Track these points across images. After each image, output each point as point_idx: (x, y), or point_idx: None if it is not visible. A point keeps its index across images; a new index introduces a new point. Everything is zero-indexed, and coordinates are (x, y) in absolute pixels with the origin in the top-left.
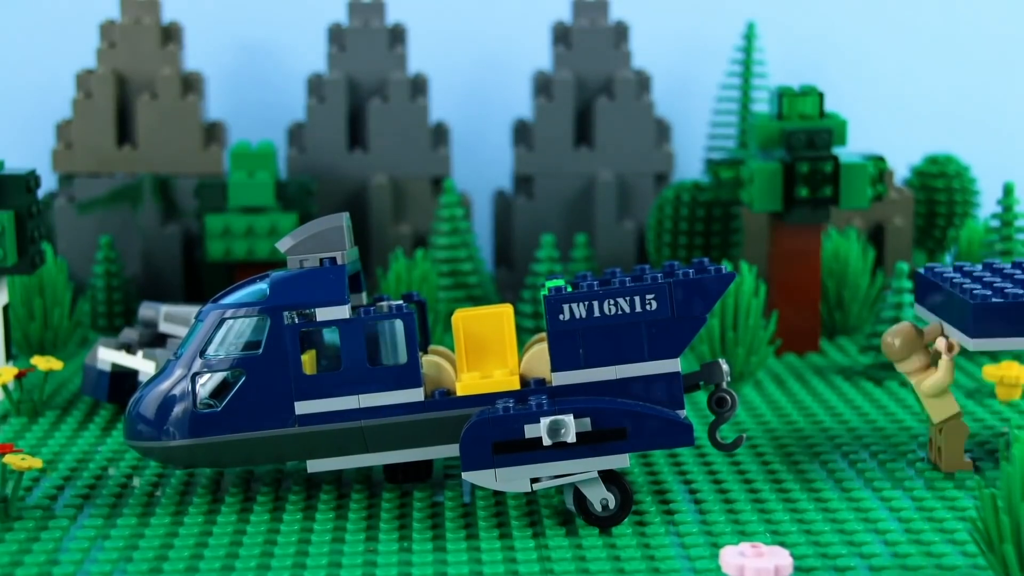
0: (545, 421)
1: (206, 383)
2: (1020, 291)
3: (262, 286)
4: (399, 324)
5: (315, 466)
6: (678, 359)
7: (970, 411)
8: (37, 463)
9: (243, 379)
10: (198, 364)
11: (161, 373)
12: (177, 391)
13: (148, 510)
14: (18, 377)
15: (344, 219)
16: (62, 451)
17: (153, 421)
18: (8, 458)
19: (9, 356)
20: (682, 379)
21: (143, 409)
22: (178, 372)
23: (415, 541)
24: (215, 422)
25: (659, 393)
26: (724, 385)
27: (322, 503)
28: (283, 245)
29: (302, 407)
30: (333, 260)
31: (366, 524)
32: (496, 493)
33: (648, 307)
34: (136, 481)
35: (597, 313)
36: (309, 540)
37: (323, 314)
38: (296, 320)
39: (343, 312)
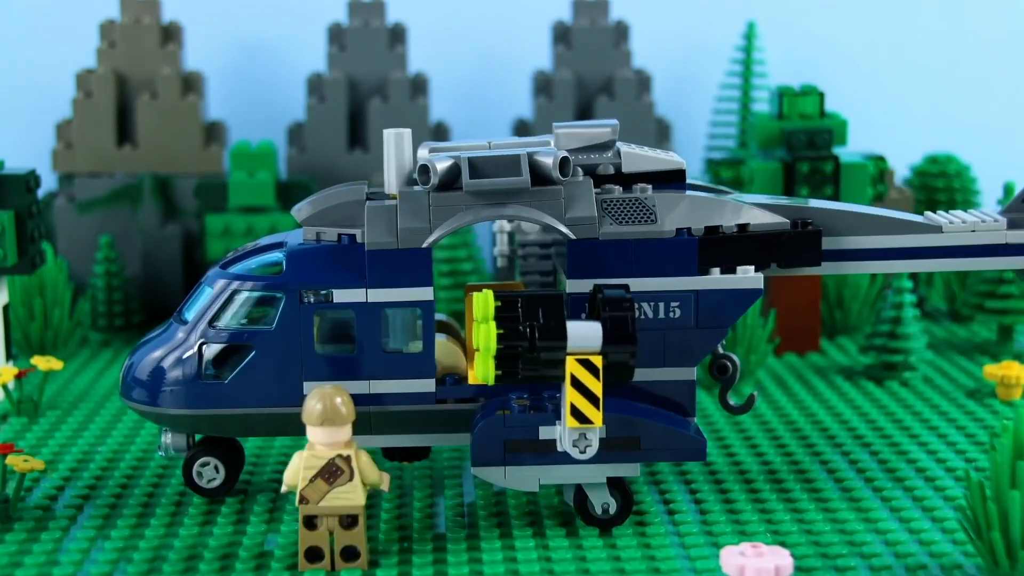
0: (571, 433)
1: (210, 352)
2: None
3: (277, 256)
4: (418, 313)
5: None
6: (695, 368)
7: (970, 411)
8: (39, 465)
9: (252, 354)
10: (207, 333)
11: (163, 334)
12: (182, 357)
13: (148, 510)
14: (18, 377)
15: (365, 189)
16: (62, 451)
17: (152, 385)
18: (10, 459)
19: (9, 356)
20: (696, 387)
21: (141, 371)
22: (181, 337)
23: (415, 541)
24: (220, 395)
25: (673, 399)
26: (721, 351)
27: None
28: (299, 213)
29: (310, 388)
30: (352, 238)
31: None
32: (496, 494)
33: (672, 315)
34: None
35: None
36: None
37: (340, 296)
38: (312, 300)
39: (361, 295)
